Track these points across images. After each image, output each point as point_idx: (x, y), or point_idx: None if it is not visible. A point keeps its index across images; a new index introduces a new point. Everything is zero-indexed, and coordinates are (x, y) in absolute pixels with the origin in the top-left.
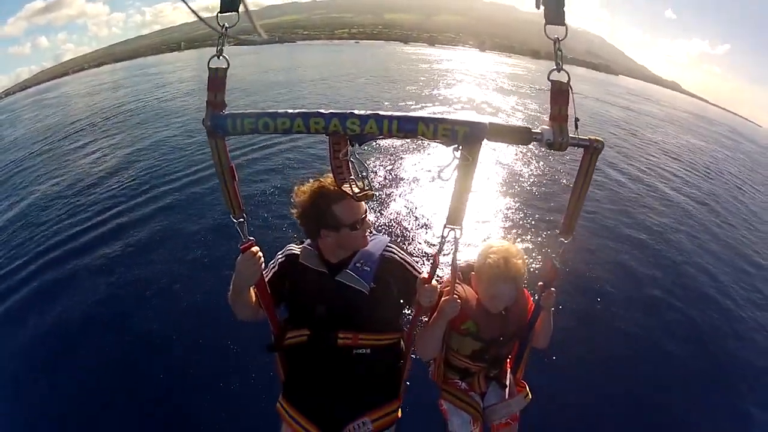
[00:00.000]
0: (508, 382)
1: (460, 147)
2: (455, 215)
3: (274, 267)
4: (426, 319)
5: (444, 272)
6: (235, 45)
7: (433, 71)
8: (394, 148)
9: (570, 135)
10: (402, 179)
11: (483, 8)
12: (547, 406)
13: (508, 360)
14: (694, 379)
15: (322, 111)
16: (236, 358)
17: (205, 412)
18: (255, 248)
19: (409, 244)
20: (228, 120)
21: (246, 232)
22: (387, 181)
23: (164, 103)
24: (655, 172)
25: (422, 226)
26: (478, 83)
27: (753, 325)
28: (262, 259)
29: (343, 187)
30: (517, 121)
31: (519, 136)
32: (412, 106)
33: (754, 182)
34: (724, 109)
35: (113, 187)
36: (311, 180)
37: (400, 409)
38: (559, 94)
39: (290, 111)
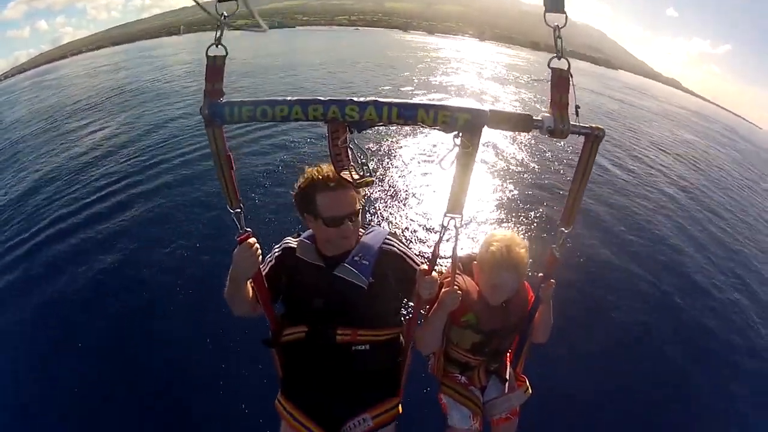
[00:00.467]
0: (508, 377)
1: (461, 134)
2: (455, 203)
3: (270, 261)
4: (426, 312)
5: (444, 263)
6: (233, 30)
7: (431, 59)
8: (393, 135)
9: (571, 123)
10: (401, 167)
11: None
12: (548, 401)
13: (508, 354)
14: (694, 373)
15: (320, 98)
16: (237, 352)
17: (204, 406)
18: (252, 239)
19: (408, 233)
20: (226, 108)
21: (243, 223)
22: (385, 169)
23: (164, 85)
24: (658, 169)
25: (422, 215)
26: (477, 72)
27: (752, 317)
28: (260, 250)
29: (342, 174)
30: (515, 109)
31: (520, 123)
32: (411, 92)
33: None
34: (724, 109)
35: (110, 171)
36: (323, 165)
37: (400, 405)
38: (560, 81)
39: (288, 98)
